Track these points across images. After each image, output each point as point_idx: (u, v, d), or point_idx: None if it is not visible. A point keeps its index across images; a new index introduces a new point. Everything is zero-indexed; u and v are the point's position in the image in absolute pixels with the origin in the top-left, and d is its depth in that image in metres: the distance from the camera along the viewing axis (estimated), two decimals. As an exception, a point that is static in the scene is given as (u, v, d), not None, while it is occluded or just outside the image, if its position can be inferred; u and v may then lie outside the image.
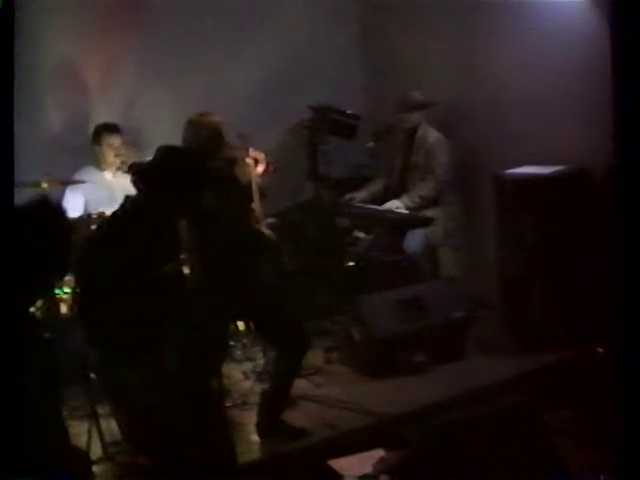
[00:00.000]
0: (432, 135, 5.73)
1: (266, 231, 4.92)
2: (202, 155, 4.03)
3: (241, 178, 4.91)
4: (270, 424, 4.22)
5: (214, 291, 4.06)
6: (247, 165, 5.08)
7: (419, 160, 5.74)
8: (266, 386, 4.33)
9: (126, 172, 4.86)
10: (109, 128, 5.32)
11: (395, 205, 5.60)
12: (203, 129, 4.88)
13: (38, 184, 4.71)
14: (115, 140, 5.29)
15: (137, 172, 3.83)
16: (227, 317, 4.37)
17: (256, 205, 5.01)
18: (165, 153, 3.83)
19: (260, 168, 5.16)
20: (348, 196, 5.89)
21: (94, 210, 4.92)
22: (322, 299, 5.63)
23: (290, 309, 4.49)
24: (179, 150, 4.07)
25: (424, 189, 5.66)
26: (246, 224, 4.56)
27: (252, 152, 5.09)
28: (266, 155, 5.19)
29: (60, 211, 3.04)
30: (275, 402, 4.24)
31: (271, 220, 5.81)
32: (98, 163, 5.32)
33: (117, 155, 5.28)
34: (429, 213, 5.61)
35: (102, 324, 3.61)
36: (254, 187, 5.06)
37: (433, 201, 5.66)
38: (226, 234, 4.15)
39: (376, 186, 5.99)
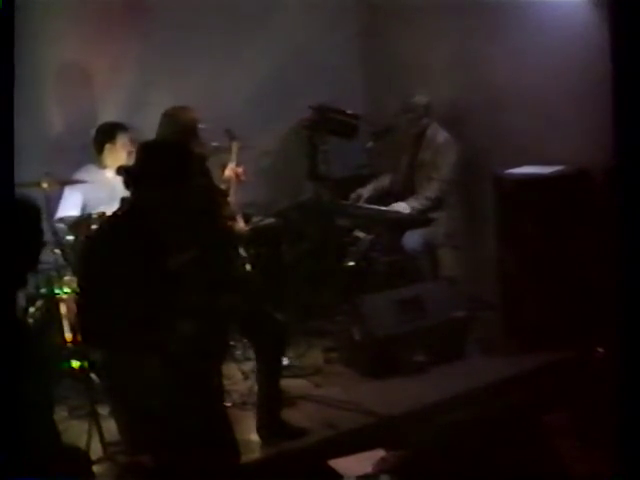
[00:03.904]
0: (442, 135, 5.71)
1: (238, 225, 4.92)
2: (184, 145, 4.00)
3: (215, 174, 4.96)
4: (269, 424, 4.21)
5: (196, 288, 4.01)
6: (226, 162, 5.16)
7: (427, 158, 5.71)
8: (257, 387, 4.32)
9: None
10: (122, 127, 5.29)
11: (402, 207, 5.58)
12: (177, 122, 4.91)
13: (38, 184, 4.71)
14: (127, 138, 5.27)
15: (125, 173, 3.84)
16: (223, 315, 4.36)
17: (232, 199, 5.04)
18: (147, 149, 3.85)
19: (240, 170, 5.26)
20: (355, 194, 5.88)
21: (94, 210, 4.92)
22: (322, 299, 5.63)
23: (266, 305, 4.47)
24: (160, 144, 4.07)
25: (431, 190, 5.64)
26: (218, 219, 4.55)
27: (235, 148, 5.17)
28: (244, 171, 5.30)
29: (33, 209, 3.02)
30: (268, 402, 4.23)
31: (271, 220, 5.83)
32: (102, 162, 5.29)
33: (130, 152, 5.26)
34: (430, 213, 5.61)
35: (102, 324, 3.61)
36: (232, 183, 5.12)
37: (439, 201, 5.64)
38: (199, 229, 4.10)
39: (382, 182, 5.98)
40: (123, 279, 3.56)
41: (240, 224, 5.14)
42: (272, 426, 4.20)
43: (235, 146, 5.38)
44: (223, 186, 5.21)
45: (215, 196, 4.85)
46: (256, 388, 4.46)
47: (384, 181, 5.99)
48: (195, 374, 3.60)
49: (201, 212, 4.16)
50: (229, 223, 4.88)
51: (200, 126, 5.04)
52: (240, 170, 5.37)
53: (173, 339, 3.60)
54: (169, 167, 3.72)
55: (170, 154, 3.79)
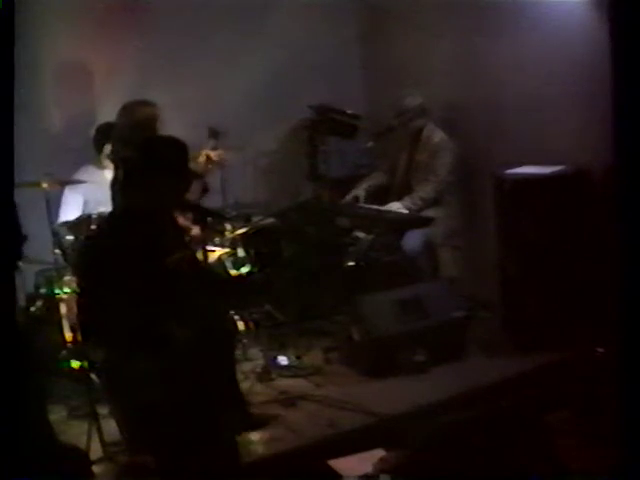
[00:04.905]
0: (437, 135, 5.73)
1: (182, 222, 4.85)
2: (181, 145, 3.98)
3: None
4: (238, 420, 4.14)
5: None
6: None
7: (423, 158, 5.73)
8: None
9: None
10: None
11: (396, 207, 5.60)
12: (135, 116, 4.89)
13: (38, 184, 4.71)
14: None
15: (124, 172, 3.85)
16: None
17: (192, 197, 4.97)
18: (143, 148, 3.85)
19: (210, 165, 5.19)
20: (349, 196, 5.87)
21: (94, 210, 4.92)
22: (322, 299, 5.63)
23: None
24: (157, 143, 4.08)
25: (425, 191, 5.65)
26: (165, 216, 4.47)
27: (206, 150, 5.12)
28: (223, 153, 5.22)
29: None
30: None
31: (271, 220, 5.83)
32: (101, 162, 5.28)
33: None
34: (430, 213, 5.61)
35: (103, 323, 3.61)
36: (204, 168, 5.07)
37: (434, 202, 5.66)
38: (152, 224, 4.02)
39: (375, 181, 5.98)
40: (123, 278, 3.56)
41: (190, 224, 5.04)
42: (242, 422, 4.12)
43: (210, 144, 5.29)
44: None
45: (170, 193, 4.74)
46: (256, 388, 4.47)
47: (377, 179, 5.99)
48: (194, 373, 3.60)
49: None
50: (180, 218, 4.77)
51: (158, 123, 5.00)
52: (214, 153, 5.27)
53: (172, 338, 3.61)
54: (166, 165, 3.73)
55: (167, 152, 3.80)
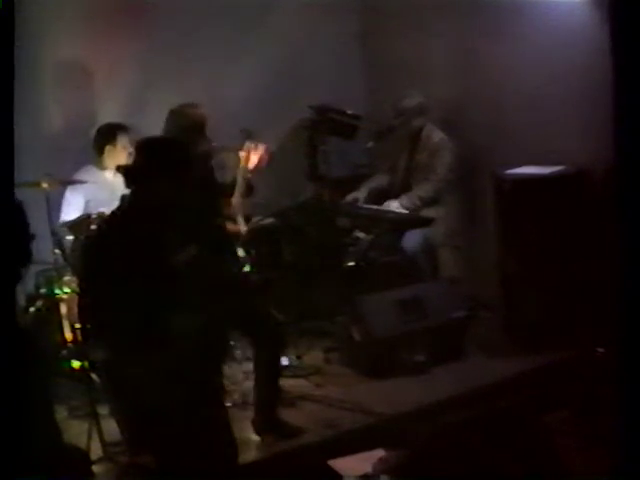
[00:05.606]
0: (437, 135, 5.73)
1: (234, 227, 4.86)
2: (183, 144, 3.98)
3: (219, 172, 4.91)
4: (266, 423, 4.19)
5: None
6: (236, 158, 5.11)
7: (423, 159, 5.73)
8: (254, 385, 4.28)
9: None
10: (122, 128, 5.26)
11: (394, 206, 5.60)
12: (184, 120, 4.90)
13: (38, 184, 4.71)
14: (127, 139, 5.25)
15: (124, 172, 3.84)
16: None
17: (236, 200, 4.98)
18: (145, 147, 3.85)
19: (253, 160, 5.19)
20: (350, 196, 5.88)
21: (94, 210, 4.92)
22: (322, 299, 5.63)
23: (265, 305, 4.43)
24: (158, 141, 4.07)
25: (424, 190, 5.66)
26: (214, 218, 4.50)
27: (247, 145, 5.11)
28: (266, 148, 5.21)
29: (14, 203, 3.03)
30: (266, 401, 4.21)
31: (271, 220, 5.83)
32: (102, 163, 5.28)
33: (130, 154, 5.24)
34: (430, 213, 5.61)
35: (104, 323, 3.61)
36: (239, 181, 5.07)
37: (432, 201, 5.66)
38: (197, 227, 4.05)
39: (377, 183, 5.99)
40: (123, 278, 3.56)
41: (239, 226, 5.09)
42: (269, 424, 4.19)
43: (246, 146, 5.29)
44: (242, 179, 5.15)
45: (213, 195, 4.83)
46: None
47: (379, 181, 6.00)
48: (195, 373, 3.60)
49: (199, 210, 4.14)
50: (226, 223, 4.85)
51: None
52: (254, 148, 5.26)
53: (173, 338, 3.60)
54: (168, 165, 3.73)
55: (168, 151, 3.80)
